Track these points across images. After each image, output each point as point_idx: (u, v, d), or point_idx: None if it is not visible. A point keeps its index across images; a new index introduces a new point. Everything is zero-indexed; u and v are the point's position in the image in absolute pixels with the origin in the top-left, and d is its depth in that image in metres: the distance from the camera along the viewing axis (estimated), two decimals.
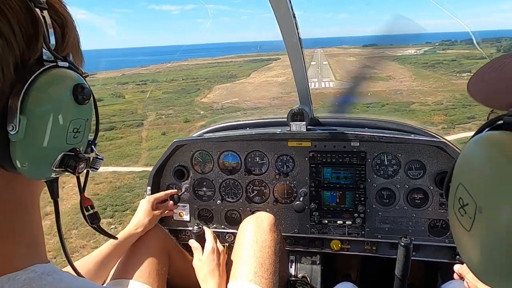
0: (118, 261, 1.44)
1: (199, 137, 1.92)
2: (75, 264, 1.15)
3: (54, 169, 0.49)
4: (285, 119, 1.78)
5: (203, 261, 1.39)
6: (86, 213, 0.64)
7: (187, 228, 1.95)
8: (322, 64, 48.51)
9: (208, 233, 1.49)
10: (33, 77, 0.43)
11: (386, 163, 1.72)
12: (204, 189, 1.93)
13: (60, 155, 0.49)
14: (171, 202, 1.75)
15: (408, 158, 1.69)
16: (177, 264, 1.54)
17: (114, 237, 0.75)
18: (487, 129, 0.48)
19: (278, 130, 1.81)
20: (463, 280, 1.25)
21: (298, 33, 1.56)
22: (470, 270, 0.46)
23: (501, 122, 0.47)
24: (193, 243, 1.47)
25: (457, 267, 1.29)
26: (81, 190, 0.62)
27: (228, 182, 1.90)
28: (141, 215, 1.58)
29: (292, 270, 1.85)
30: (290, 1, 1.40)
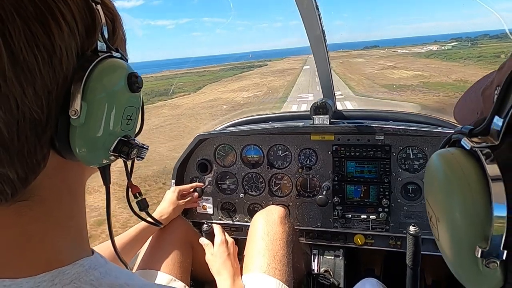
0: (143, 251, 1.48)
1: (222, 131, 1.94)
2: (104, 244, 1.20)
3: (110, 153, 0.50)
4: (308, 113, 1.76)
5: (214, 254, 1.42)
6: (135, 200, 0.67)
7: (210, 221, 1.98)
8: None
9: (217, 228, 1.53)
10: (93, 64, 0.45)
11: (411, 157, 1.68)
12: (227, 182, 1.95)
13: (117, 140, 0.50)
14: (195, 193, 1.79)
15: (435, 151, 1.64)
16: (200, 256, 1.57)
17: (160, 223, 0.78)
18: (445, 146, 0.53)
19: (300, 123, 1.80)
20: None
21: (321, 25, 1.54)
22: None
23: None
24: (203, 240, 1.51)
25: None
26: (129, 177, 0.64)
27: (250, 175, 1.91)
28: (166, 203, 1.63)
29: (314, 264, 1.84)
30: None
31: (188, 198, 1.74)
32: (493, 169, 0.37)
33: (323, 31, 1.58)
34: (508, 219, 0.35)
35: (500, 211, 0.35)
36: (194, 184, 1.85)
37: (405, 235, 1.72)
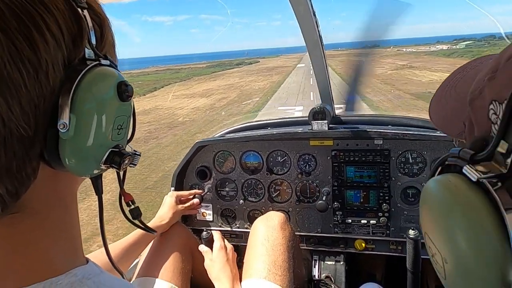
0: (143, 258, 1.48)
1: (221, 138, 1.94)
2: (98, 251, 1.19)
3: (101, 164, 0.49)
4: (307, 118, 1.76)
5: (213, 260, 1.43)
6: (128, 208, 0.65)
7: (210, 228, 1.97)
8: None
9: (216, 234, 1.54)
10: (81, 75, 0.44)
11: (411, 161, 1.68)
12: (227, 189, 1.95)
13: (108, 151, 0.49)
14: (196, 200, 1.79)
15: (434, 155, 1.64)
16: (200, 264, 1.56)
17: (153, 231, 0.77)
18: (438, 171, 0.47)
19: (299, 129, 1.80)
20: None
21: (318, 31, 1.55)
22: None
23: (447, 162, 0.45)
24: (202, 247, 1.52)
25: None
26: (121, 185, 0.63)
27: (250, 182, 1.91)
28: (165, 208, 1.63)
29: (315, 270, 1.83)
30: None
31: (188, 204, 1.73)
32: (506, 200, 0.33)
33: (320, 36, 1.59)
34: None
35: None
36: (193, 191, 1.84)
37: (405, 240, 1.71)
